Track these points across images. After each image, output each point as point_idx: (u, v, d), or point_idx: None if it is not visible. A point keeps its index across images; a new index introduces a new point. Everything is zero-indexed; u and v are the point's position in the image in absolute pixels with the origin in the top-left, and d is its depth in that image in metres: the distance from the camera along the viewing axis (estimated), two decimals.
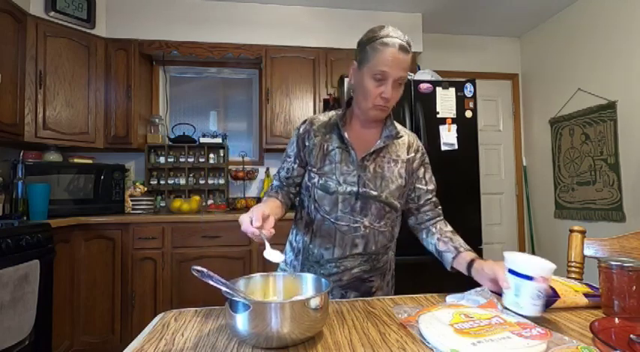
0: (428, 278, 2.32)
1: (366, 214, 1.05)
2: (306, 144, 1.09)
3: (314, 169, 1.07)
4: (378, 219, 1.06)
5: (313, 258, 1.08)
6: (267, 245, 0.80)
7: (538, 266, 0.71)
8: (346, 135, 1.06)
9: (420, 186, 1.13)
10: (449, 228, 1.11)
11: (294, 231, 1.16)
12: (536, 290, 0.70)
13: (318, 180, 1.06)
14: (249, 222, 0.79)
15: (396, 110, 2.45)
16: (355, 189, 1.04)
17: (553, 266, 0.72)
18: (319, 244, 1.07)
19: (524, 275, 0.71)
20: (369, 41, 1.00)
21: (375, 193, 1.04)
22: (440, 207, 1.16)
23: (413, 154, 1.12)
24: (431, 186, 1.14)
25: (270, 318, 0.61)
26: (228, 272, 2.48)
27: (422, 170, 1.14)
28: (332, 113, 1.14)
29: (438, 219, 1.14)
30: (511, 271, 0.74)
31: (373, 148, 1.06)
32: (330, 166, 1.05)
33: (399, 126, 1.13)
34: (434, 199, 1.14)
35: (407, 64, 0.98)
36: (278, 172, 1.13)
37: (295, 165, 1.10)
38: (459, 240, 1.05)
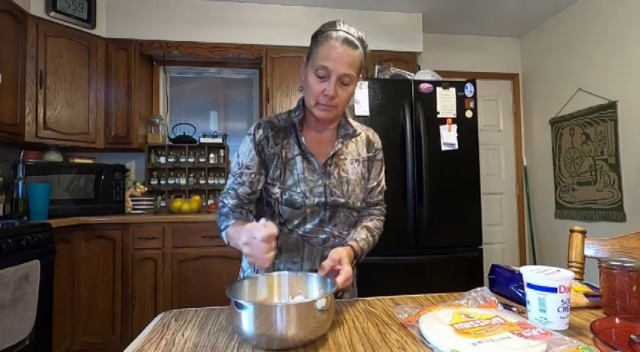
0: (428, 278, 2.31)
1: (335, 223, 0.99)
2: (266, 151, 0.98)
3: (275, 182, 0.97)
4: (346, 226, 1.02)
5: None
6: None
7: (558, 275, 0.70)
8: (303, 140, 0.98)
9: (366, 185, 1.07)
10: (369, 223, 1.04)
11: None
12: (561, 300, 0.69)
13: (282, 195, 0.96)
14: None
15: (397, 110, 2.45)
16: (323, 199, 0.96)
17: (572, 274, 0.72)
18: (285, 259, 0.99)
19: (546, 287, 0.70)
20: (315, 35, 0.93)
21: (342, 200, 0.98)
22: (377, 207, 1.09)
23: (374, 152, 1.07)
24: (373, 184, 1.07)
25: (275, 320, 0.60)
26: (228, 272, 2.48)
27: (372, 165, 1.07)
28: (283, 115, 1.04)
29: (366, 217, 1.07)
30: (531, 286, 0.72)
31: (332, 151, 0.99)
32: (293, 178, 0.96)
33: (354, 124, 1.05)
34: (369, 199, 1.07)
35: (353, 59, 0.89)
36: (233, 189, 0.98)
37: (260, 177, 0.98)
38: (359, 234, 0.99)
